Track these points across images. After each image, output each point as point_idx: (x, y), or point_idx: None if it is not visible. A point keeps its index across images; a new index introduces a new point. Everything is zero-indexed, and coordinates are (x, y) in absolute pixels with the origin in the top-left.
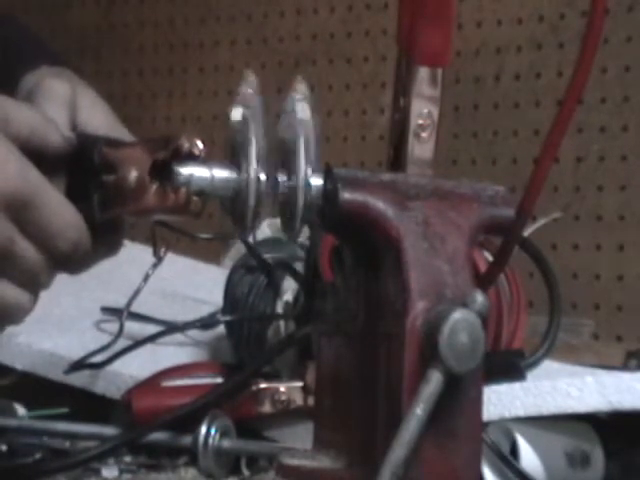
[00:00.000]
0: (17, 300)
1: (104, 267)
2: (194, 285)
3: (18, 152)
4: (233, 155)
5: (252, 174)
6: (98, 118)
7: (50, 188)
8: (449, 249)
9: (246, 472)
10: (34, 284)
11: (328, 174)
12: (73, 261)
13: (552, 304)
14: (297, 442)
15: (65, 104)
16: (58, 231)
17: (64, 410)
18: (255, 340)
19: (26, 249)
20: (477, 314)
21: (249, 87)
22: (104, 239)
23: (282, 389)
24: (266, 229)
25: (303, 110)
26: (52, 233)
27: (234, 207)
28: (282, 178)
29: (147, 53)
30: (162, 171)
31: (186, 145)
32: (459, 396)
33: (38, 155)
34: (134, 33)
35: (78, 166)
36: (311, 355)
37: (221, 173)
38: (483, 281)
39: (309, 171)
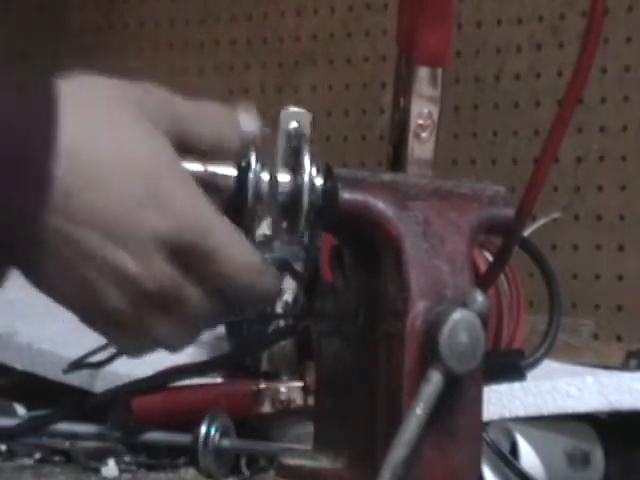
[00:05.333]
0: (168, 338)
1: None
2: None
3: (190, 180)
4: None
5: (252, 173)
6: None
7: (223, 223)
8: (449, 249)
9: (246, 472)
10: (193, 327)
11: (328, 174)
12: (247, 306)
13: (552, 304)
14: (297, 442)
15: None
16: (230, 275)
17: (63, 410)
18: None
19: (193, 293)
20: (477, 314)
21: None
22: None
23: (282, 389)
24: (266, 229)
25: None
26: (224, 278)
27: (235, 206)
28: (284, 178)
29: (147, 53)
30: None
31: None
32: (459, 396)
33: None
34: (134, 33)
35: None
36: (311, 355)
37: (224, 171)
38: (483, 281)
39: (314, 171)
